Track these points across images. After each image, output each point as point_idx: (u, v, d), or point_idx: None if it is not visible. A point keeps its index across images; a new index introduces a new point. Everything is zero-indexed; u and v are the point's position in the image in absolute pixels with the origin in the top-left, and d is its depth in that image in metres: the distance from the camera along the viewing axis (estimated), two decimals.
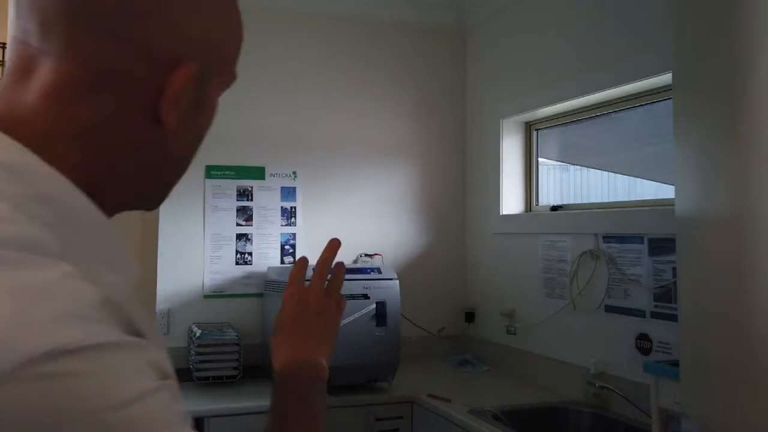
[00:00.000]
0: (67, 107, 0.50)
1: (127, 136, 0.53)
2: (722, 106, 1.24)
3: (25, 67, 0.51)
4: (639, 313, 2.17)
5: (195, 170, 2.76)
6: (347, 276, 3.05)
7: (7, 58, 0.54)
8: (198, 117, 0.57)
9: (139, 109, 0.52)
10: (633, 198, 2.61)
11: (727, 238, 1.23)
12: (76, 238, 0.47)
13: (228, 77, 0.59)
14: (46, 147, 0.49)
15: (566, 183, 3.28)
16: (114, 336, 0.42)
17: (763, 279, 1.13)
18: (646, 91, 2.28)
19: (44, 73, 0.50)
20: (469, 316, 3.14)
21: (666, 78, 2.06)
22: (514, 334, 2.78)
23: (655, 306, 2.11)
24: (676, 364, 1.56)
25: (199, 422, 2.23)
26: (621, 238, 2.26)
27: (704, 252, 1.32)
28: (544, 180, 3.02)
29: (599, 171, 3.05)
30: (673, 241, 1.71)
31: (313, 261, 0.90)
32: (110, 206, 0.53)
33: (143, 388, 0.42)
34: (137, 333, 0.45)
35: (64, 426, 0.38)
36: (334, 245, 0.87)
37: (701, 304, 1.33)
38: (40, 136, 0.49)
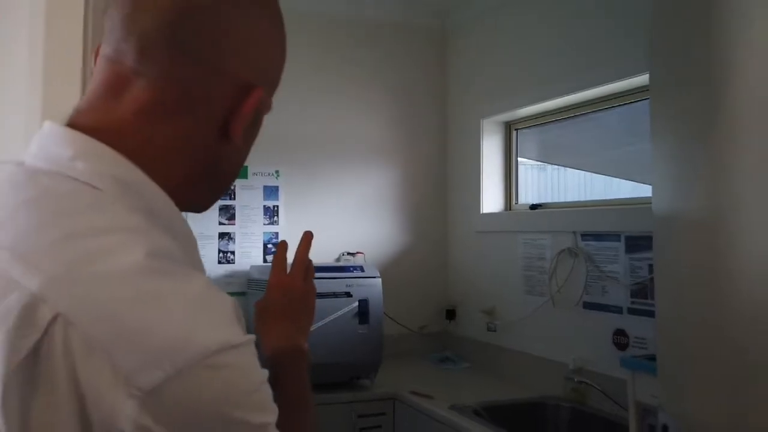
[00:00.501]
0: (157, 125, 0.57)
1: (202, 150, 0.60)
2: (698, 108, 1.28)
3: (117, 85, 0.57)
4: (616, 310, 2.21)
5: None
6: (330, 274, 3.03)
7: (96, 74, 0.59)
8: (253, 134, 0.65)
9: (213, 127, 0.60)
10: (610, 197, 2.66)
11: (702, 237, 1.27)
12: (181, 248, 0.54)
13: (270, 101, 0.67)
14: (141, 162, 0.55)
15: (545, 182, 3.33)
16: (246, 335, 0.52)
17: (737, 277, 1.17)
18: (624, 91, 2.33)
19: (138, 92, 0.57)
20: (450, 314, 3.18)
21: (644, 78, 2.10)
22: (495, 331, 2.82)
23: (632, 302, 2.16)
24: (652, 358, 1.60)
25: None
26: (598, 236, 2.31)
27: (680, 250, 1.35)
28: (523, 179, 3.06)
29: (577, 170, 3.10)
30: (648, 238, 1.75)
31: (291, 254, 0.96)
32: (181, 210, 0.60)
33: (264, 375, 0.53)
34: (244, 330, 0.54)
35: (225, 404, 0.48)
36: (308, 238, 0.96)
37: (677, 301, 1.37)
38: (136, 151, 0.55)
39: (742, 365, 1.15)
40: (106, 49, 0.58)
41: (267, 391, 0.53)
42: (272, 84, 0.66)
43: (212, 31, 0.57)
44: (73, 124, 0.56)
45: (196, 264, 0.59)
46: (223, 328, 0.50)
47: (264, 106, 0.64)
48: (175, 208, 0.58)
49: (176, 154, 0.58)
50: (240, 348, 0.50)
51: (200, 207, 0.67)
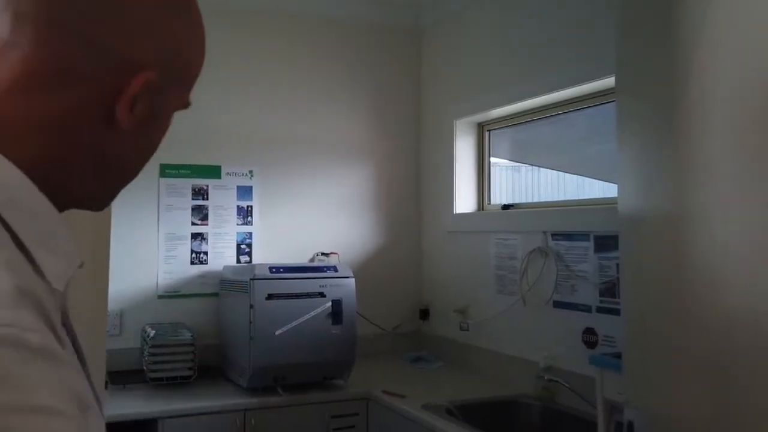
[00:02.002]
0: (30, 99, 0.53)
1: (83, 133, 0.55)
2: (660, 110, 1.30)
3: None
4: (585, 308, 2.25)
5: (149, 168, 2.70)
6: (303, 275, 3.01)
7: None
8: (151, 126, 0.60)
9: (96, 108, 0.55)
10: (582, 197, 2.69)
11: (665, 236, 1.29)
12: (19, 220, 0.50)
13: (184, 97, 0.62)
14: (4, 135, 0.52)
15: (519, 183, 3.36)
16: (31, 334, 0.42)
17: (697, 273, 1.20)
18: (594, 92, 2.37)
19: (12, 63, 0.53)
20: (424, 314, 3.19)
21: (612, 81, 2.13)
22: (467, 330, 2.84)
23: (601, 301, 2.19)
24: (620, 356, 1.62)
25: (152, 423, 2.21)
26: (568, 236, 2.34)
27: (644, 249, 1.38)
28: (497, 180, 3.09)
29: (551, 171, 3.13)
30: (616, 238, 1.78)
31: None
32: (62, 200, 0.56)
33: (47, 404, 0.41)
34: (53, 329, 0.46)
35: None
36: None
37: (642, 299, 1.39)
38: (1, 124, 0.52)
39: (704, 360, 1.17)
40: None
41: (22, 374, 0.41)
42: (178, 70, 0.60)
43: (92, 3, 0.54)
44: None
45: (44, 245, 0.52)
46: None
47: (165, 96, 0.59)
48: (26, 180, 0.52)
49: (50, 132, 0.54)
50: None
51: (91, 199, 0.62)
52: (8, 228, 0.49)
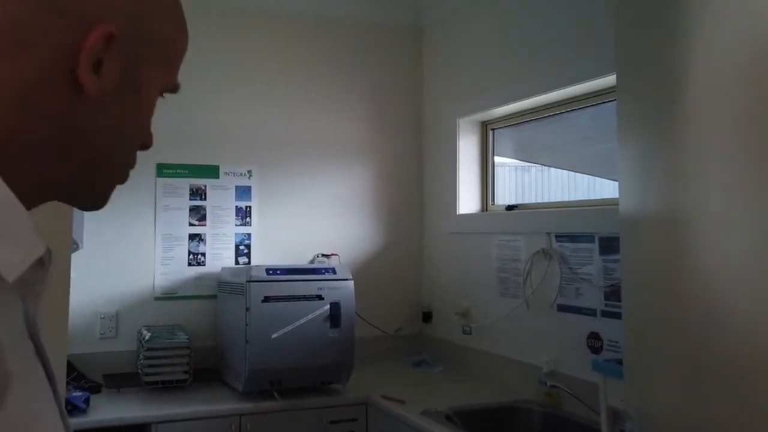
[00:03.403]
0: None
1: (49, 101, 0.50)
2: (660, 110, 1.25)
3: None
4: (590, 312, 2.18)
5: (145, 168, 2.69)
6: (301, 277, 2.96)
7: None
8: (125, 97, 0.54)
9: (60, 72, 0.50)
10: (593, 197, 2.63)
11: (666, 237, 1.24)
12: None
13: (168, 75, 0.57)
14: None
15: (528, 183, 3.29)
16: None
17: (698, 276, 1.15)
18: (599, 90, 2.30)
19: None
20: (426, 316, 3.14)
21: (614, 78, 2.07)
22: (470, 333, 2.78)
23: (606, 305, 2.12)
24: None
25: (146, 428, 2.17)
26: (573, 237, 2.27)
27: (645, 250, 1.33)
28: (504, 180, 3.02)
29: (562, 171, 3.06)
30: None
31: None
32: (39, 188, 0.51)
33: None
34: None
35: None
36: None
37: (643, 302, 1.34)
38: None
39: (705, 364, 1.13)
40: None
41: None
42: (151, 36, 0.55)
43: None
44: None
45: None
46: None
47: (140, 65, 0.54)
48: None
49: (10, 101, 0.49)
50: None
51: (80, 191, 0.56)
52: None
